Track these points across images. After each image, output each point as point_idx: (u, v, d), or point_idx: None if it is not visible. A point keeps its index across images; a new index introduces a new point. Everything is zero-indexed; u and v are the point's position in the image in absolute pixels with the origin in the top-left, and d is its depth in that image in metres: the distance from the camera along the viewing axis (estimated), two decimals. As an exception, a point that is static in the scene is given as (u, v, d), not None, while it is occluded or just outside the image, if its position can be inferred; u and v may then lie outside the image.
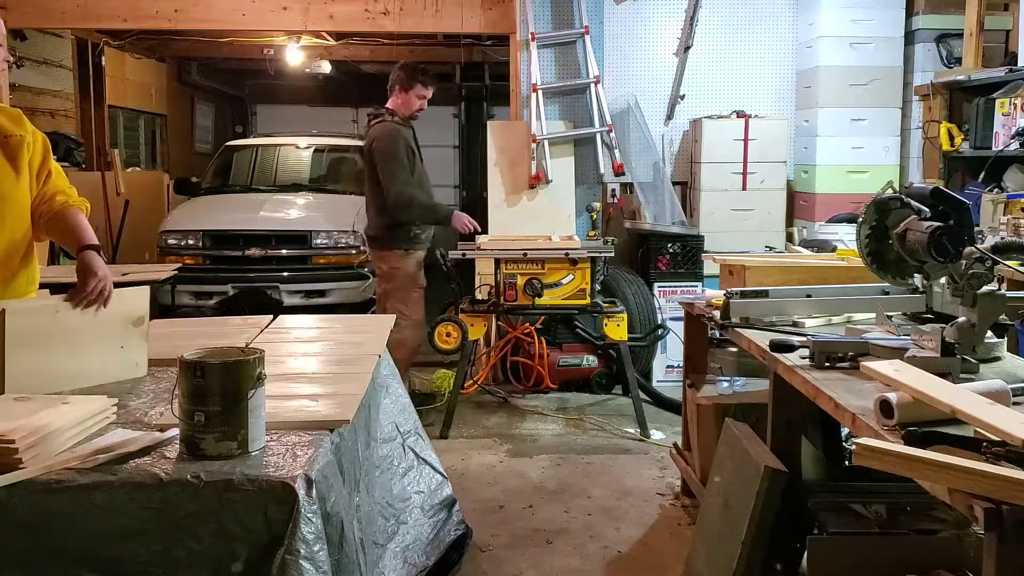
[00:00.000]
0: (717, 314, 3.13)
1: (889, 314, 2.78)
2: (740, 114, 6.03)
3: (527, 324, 5.59)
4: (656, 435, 4.82)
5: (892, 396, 1.93)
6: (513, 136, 6.10)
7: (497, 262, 4.88)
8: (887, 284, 2.95)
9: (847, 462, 3.21)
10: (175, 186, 8.54)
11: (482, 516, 3.73)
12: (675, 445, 4.14)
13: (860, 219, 2.82)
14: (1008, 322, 2.52)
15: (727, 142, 6.00)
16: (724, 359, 4.33)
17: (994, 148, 4.82)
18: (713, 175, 6.03)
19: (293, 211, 7.56)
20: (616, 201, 6.33)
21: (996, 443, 1.70)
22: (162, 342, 2.60)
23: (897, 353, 2.32)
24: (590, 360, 5.65)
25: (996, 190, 4.81)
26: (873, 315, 2.90)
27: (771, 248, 5.74)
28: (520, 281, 4.81)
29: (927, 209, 2.65)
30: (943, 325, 2.39)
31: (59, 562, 1.68)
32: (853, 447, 1.71)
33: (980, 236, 3.10)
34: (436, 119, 11.55)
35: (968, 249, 2.44)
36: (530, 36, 6.07)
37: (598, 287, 4.93)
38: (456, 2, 6.39)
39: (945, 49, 5.93)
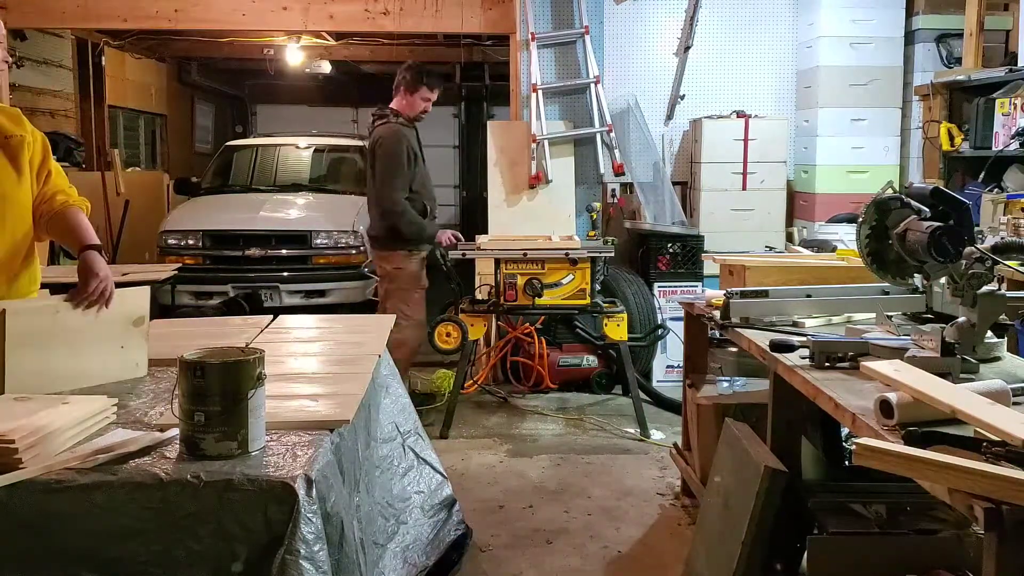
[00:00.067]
0: (717, 314, 3.12)
1: (889, 314, 2.78)
2: (740, 114, 6.03)
3: (527, 324, 5.59)
4: (656, 435, 4.82)
5: (892, 396, 1.93)
6: (513, 136, 6.10)
7: (497, 262, 4.88)
8: (887, 284, 2.95)
9: (847, 462, 3.21)
10: (175, 186, 8.54)
11: (482, 516, 3.73)
12: (675, 445, 4.14)
13: (860, 219, 2.82)
14: (1008, 322, 2.52)
15: (727, 142, 6.01)
16: (724, 359, 4.33)
17: (994, 148, 4.82)
18: (713, 175, 6.03)
19: (293, 211, 7.57)
20: (616, 201, 6.33)
21: (996, 443, 1.70)
22: (162, 342, 2.60)
23: (897, 353, 2.32)
24: (590, 360, 5.65)
25: (996, 190, 4.81)
26: (873, 315, 2.90)
27: (771, 248, 5.74)
28: (520, 281, 4.81)
29: (927, 209, 2.65)
30: (943, 325, 2.39)
31: (59, 562, 1.68)
32: (853, 447, 1.71)
33: (980, 236, 3.10)
34: (436, 119, 11.48)
35: (968, 249, 2.44)
36: (530, 36, 6.07)
37: (598, 287, 4.93)
38: (456, 2, 6.39)
39: (945, 49, 5.93)
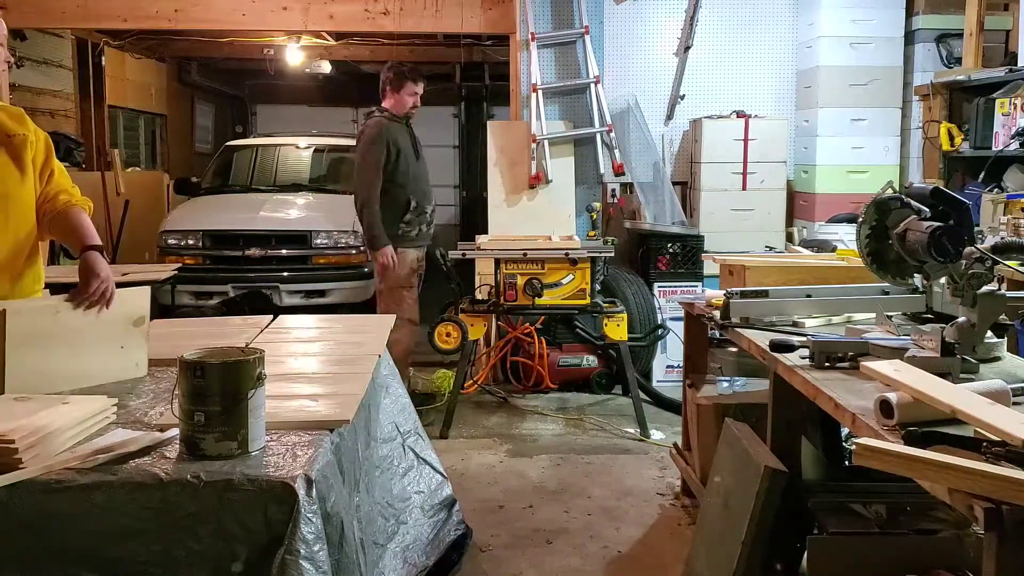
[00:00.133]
0: (717, 314, 3.13)
1: (889, 314, 2.78)
2: (740, 114, 6.03)
3: (527, 324, 5.59)
4: (656, 435, 4.82)
5: (892, 396, 1.93)
6: (513, 136, 6.10)
7: (497, 262, 4.88)
8: (887, 284, 2.95)
9: (847, 462, 3.21)
10: (175, 186, 8.53)
11: (482, 516, 3.73)
12: (675, 445, 4.14)
13: (860, 219, 2.82)
14: (1008, 322, 2.52)
15: (727, 142, 6.01)
16: (724, 359, 4.33)
17: (994, 148, 4.82)
18: (713, 175, 6.03)
19: (293, 211, 7.56)
20: (616, 201, 6.33)
21: (996, 443, 1.70)
22: (162, 342, 2.60)
23: (897, 353, 2.32)
24: (590, 360, 5.65)
25: (996, 190, 4.81)
26: (873, 315, 2.90)
27: (771, 248, 5.74)
28: (520, 281, 4.81)
29: (927, 209, 2.65)
30: (943, 325, 2.39)
31: (59, 562, 1.68)
32: (853, 447, 1.71)
33: (980, 236, 3.10)
34: (436, 119, 11.54)
35: (968, 249, 2.44)
36: (530, 36, 6.07)
37: (598, 287, 4.93)
38: (456, 2, 6.39)
39: (945, 49, 5.93)
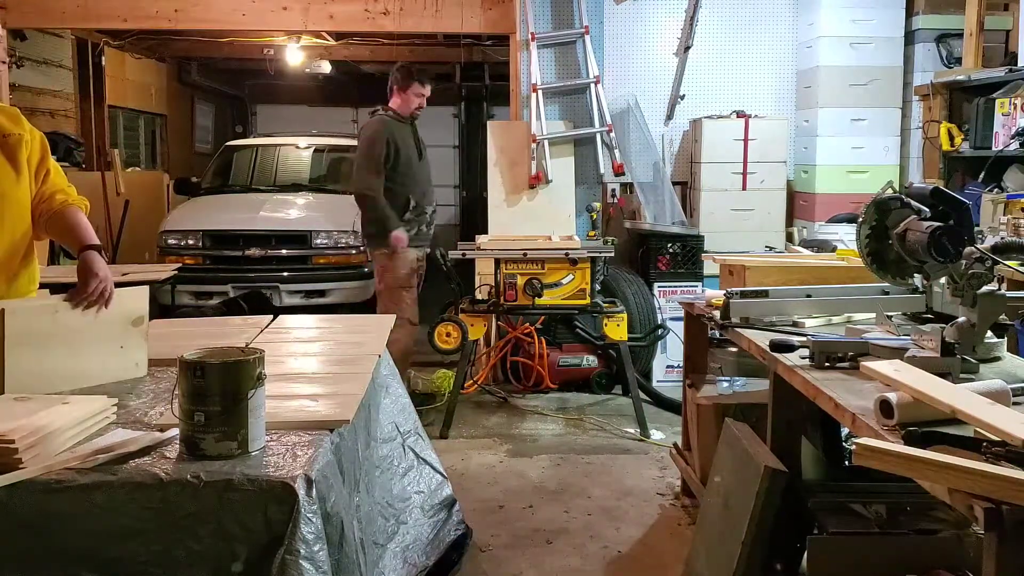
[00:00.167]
0: (717, 314, 3.12)
1: (889, 314, 2.78)
2: (740, 114, 6.03)
3: (527, 324, 5.59)
4: (656, 435, 4.82)
5: (892, 396, 1.93)
6: (513, 136, 6.10)
7: (497, 262, 4.88)
8: (887, 284, 2.95)
9: (847, 462, 3.21)
10: (175, 186, 8.54)
11: (482, 516, 3.73)
12: (675, 445, 4.14)
13: (860, 219, 2.82)
14: (1008, 322, 2.52)
15: (727, 142, 6.01)
16: (724, 359, 4.33)
17: (994, 148, 4.82)
18: (713, 175, 6.03)
19: (293, 211, 7.57)
20: (616, 201, 6.33)
21: (996, 443, 1.70)
22: (162, 342, 2.60)
23: (897, 353, 2.32)
24: (590, 360, 5.65)
25: (996, 190, 4.81)
26: (873, 315, 2.90)
27: (771, 248, 5.74)
28: (520, 281, 4.81)
29: (927, 209, 2.65)
30: (943, 325, 2.39)
31: (59, 562, 1.68)
32: (853, 447, 1.71)
33: (980, 236, 3.10)
34: (436, 119, 11.54)
35: (968, 249, 2.44)
36: (530, 36, 6.07)
37: (598, 287, 4.93)
38: (456, 2, 6.39)
39: (945, 49, 5.93)
